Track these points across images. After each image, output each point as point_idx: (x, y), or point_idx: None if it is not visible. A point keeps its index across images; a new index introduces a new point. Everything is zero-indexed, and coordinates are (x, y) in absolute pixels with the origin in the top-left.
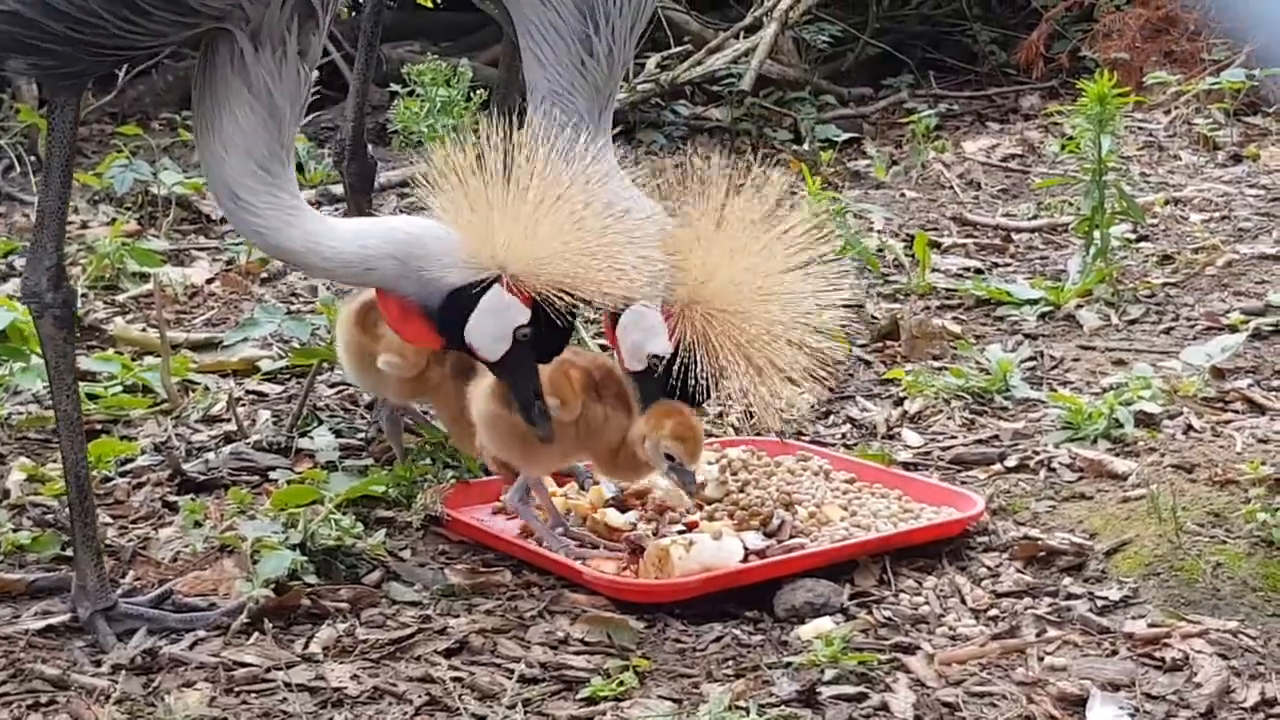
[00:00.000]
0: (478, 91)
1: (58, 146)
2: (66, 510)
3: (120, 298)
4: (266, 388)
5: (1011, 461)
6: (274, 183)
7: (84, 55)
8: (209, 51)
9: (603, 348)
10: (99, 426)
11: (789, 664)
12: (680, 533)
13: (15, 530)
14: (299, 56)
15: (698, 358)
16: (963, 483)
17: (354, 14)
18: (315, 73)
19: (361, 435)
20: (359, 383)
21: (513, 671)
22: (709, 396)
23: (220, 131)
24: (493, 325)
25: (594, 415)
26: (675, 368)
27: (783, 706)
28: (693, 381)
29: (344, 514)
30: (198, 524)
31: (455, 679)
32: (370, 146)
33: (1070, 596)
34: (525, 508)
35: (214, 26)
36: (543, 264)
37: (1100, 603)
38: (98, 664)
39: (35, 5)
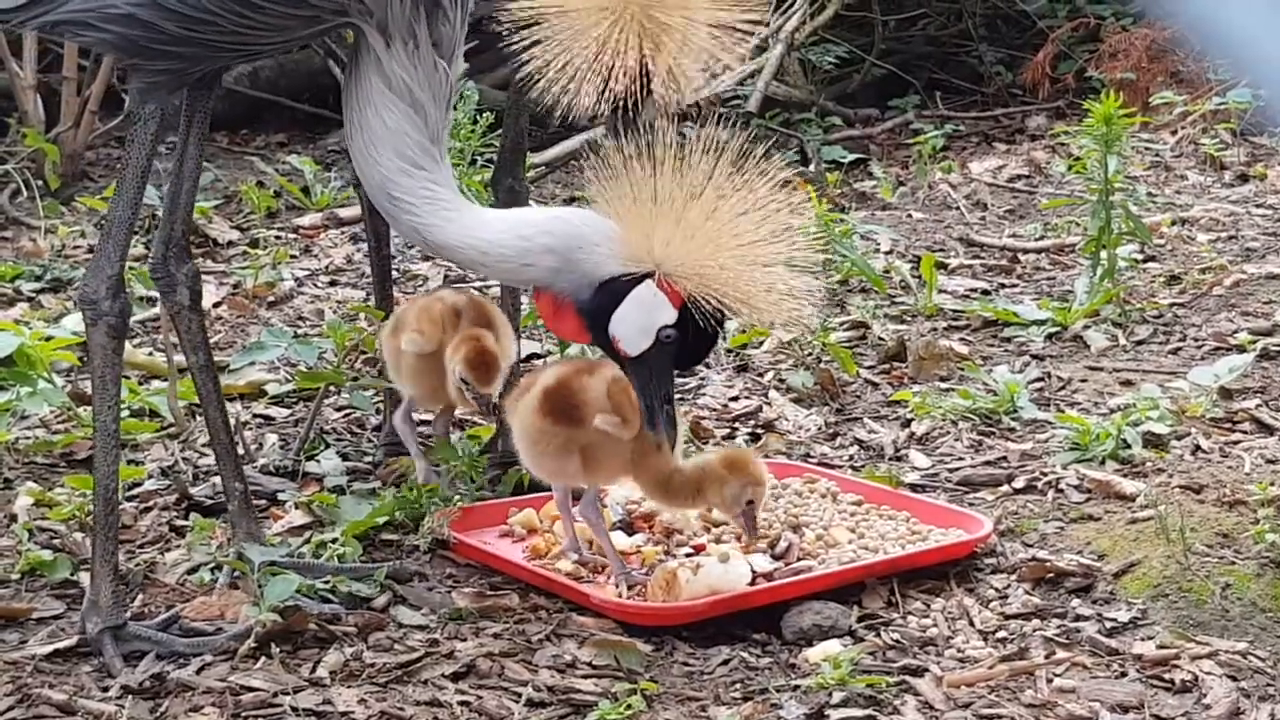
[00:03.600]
0: (484, 114)
1: (136, 157)
2: (74, 535)
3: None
4: (273, 411)
5: (1019, 483)
6: (429, 178)
7: (205, 54)
8: (354, 51)
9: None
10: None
11: (797, 687)
12: (688, 555)
13: (20, 554)
14: (434, 48)
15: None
16: (970, 504)
17: None
18: (462, 65)
19: (369, 459)
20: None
21: (520, 695)
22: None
23: (369, 131)
24: (639, 319)
25: (649, 437)
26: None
27: None
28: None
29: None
30: (208, 553)
31: (462, 703)
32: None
33: (1079, 618)
34: (598, 521)
35: (340, 22)
36: (698, 267)
37: (1109, 624)
38: (105, 689)
39: (149, 6)
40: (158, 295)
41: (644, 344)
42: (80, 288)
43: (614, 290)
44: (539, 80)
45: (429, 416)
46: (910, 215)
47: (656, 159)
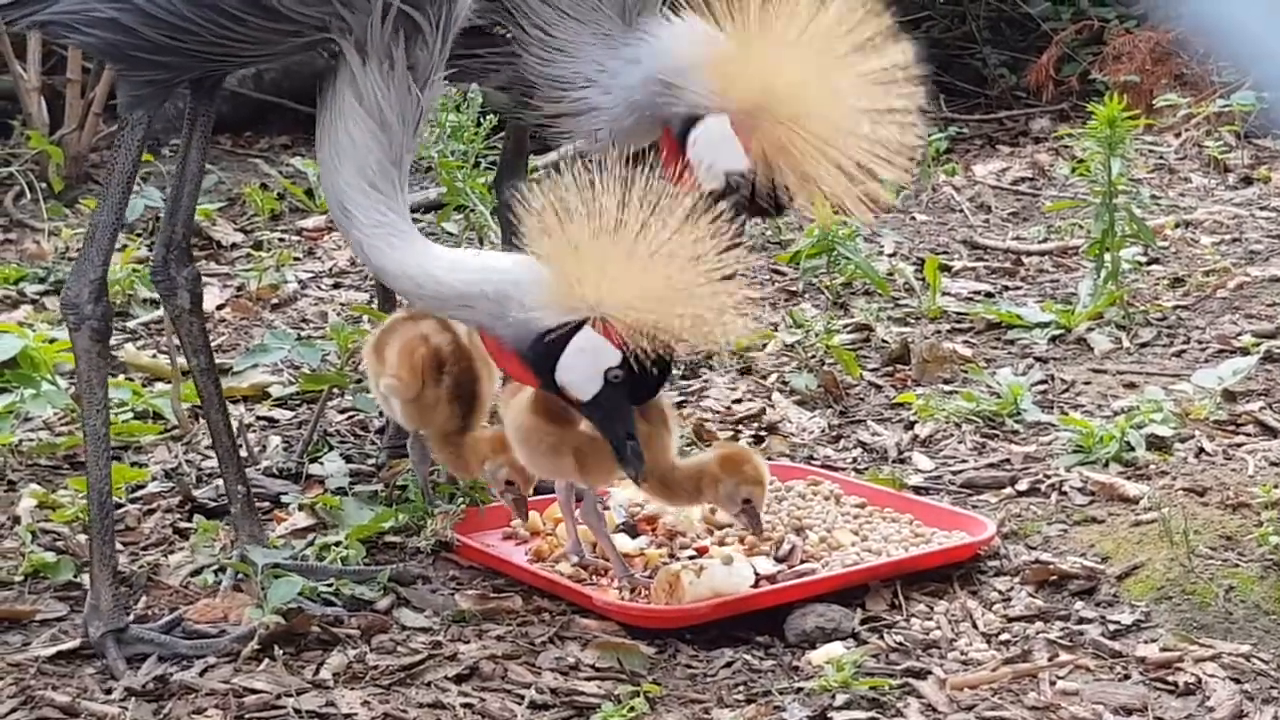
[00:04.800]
0: (488, 117)
1: (122, 163)
2: (78, 536)
3: (131, 324)
4: (277, 413)
5: (1023, 485)
6: (384, 201)
7: (189, 64)
8: (334, 64)
9: None
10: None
11: (800, 689)
12: (691, 558)
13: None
14: (409, 72)
15: (776, 166)
16: (974, 507)
17: None
18: (440, 90)
19: (372, 461)
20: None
21: (523, 697)
22: (789, 205)
23: (335, 142)
24: (584, 366)
25: (641, 433)
26: (755, 180)
27: None
28: (773, 192)
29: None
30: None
31: (465, 705)
32: None
33: (1082, 620)
34: (599, 524)
35: (322, 37)
36: (631, 304)
37: (1112, 627)
38: (108, 691)
39: (132, 12)
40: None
41: (594, 389)
42: (63, 292)
43: (554, 341)
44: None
45: None
46: (914, 218)
47: (569, 203)
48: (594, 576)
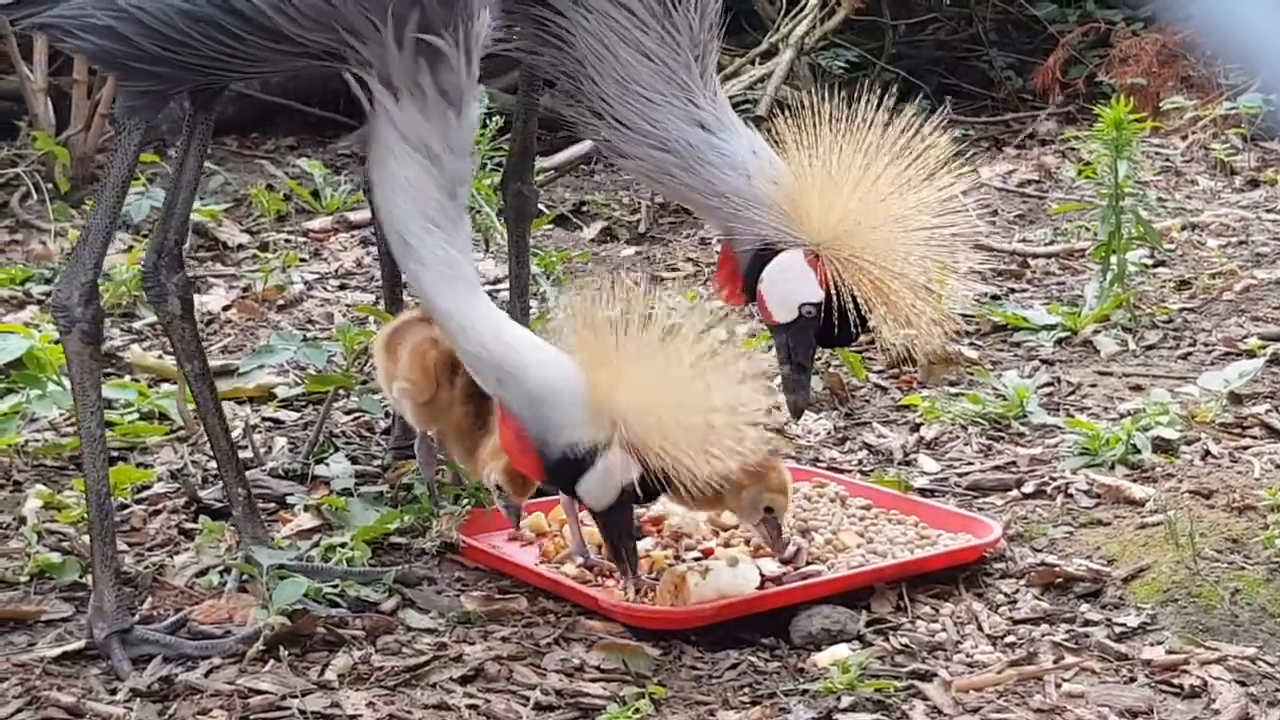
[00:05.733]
0: (494, 118)
1: (118, 168)
2: (83, 537)
3: (137, 325)
4: (283, 414)
5: (1029, 487)
6: (445, 239)
7: (184, 76)
8: (370, 109)
9: None
10: (115, 454)
11: (805, 691)
12: (696, 559)
13: (29, 556)
14: (442, 97)
15: (848, 299)
16: (979, 509)
17: None
18: (477, 113)
19: (378, 462)
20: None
21: (528, 699)
22: (859, 336)
23: (391, 179)
24: (604, 482)
25: None
26: (831, 312)
27: None
28: (845, 324)
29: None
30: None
31: (470, 706)
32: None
33: (1088, 623)
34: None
35: (336, 66)
36: (663, 432)
37: (1118, 629)
38: (113, 692)
39: (129, 21)
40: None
41: (608, 501)
42: (53, 295)
43: (580, 459)
44: None
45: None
46: None
47: (620, 319)
48: (599, 577)
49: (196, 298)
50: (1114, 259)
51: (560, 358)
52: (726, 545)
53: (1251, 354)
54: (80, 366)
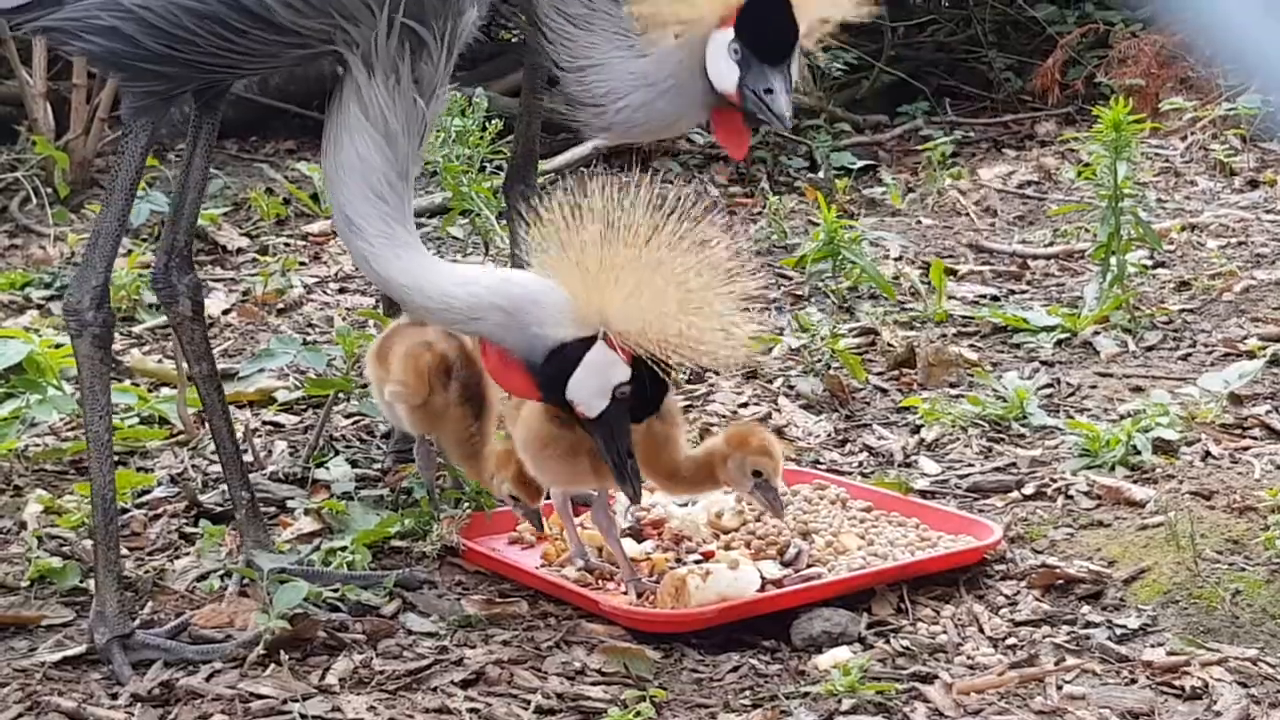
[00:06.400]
0: (493, 121)
1: (125, 170)
2: (84, 542)
3: (137, 329)
4: (283, 418)
5: (1029, 489)
6: (389, 212)
7: (189, 74)
8: (341, 76)
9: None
10: (115, 458)
11: (807, 694)
12: (697, 562)
13: (30, 561)
14: (414, 85)
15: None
16: (980, 511)
17: None
18: (443, 104)
19: (378, 466)
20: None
21: (529, 702)
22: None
23: (340, 154)
24: (595, 382)
25: (658, 431)
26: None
27: None
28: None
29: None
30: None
31: (472, 710)
32: None
33: (1089, 625)
34: (609, 526)
35: (326, 50)
36: (647, 323)
37: (1119, 631)
38: (114, 696)
39: (133, 21)
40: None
41: (602, 405)
42: (65, 298)
43: (567, 355)
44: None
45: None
46: (920, 221)
47: (593, 217)
48: (600, 581)
49: None
50: (1114, 260)
51: (530, 276)
52: (727, 548)
53: (1251, 355)
54: (91, 370)
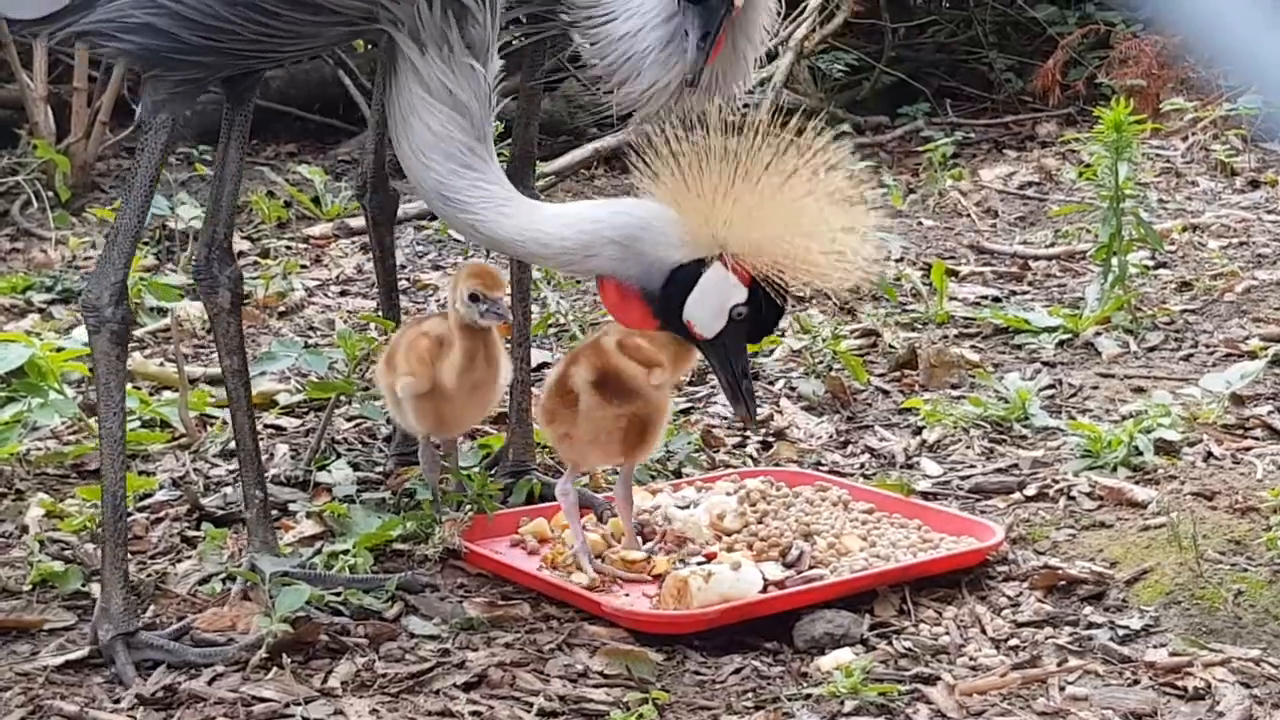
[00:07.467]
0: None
1: (145, 167)
2: (85, 546)
3: (138, 332)
4: (284, 421)
5: (1031, 490)
6: (480, 177)
7: (226, 62)
8: (390, 61)
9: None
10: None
11: (809, 695)
12: (699, 563)
13: (32, 565)
14: (468, 51)
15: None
16: (982, 512)
17: (371, 46)
18: (498, 64)
19: (380, 469)
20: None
21: (532, 705)
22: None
23: (416, 137)
24: (712, 303)
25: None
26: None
27: None
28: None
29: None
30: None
31: (474, 713)
32: (391, 179)
33: (1091, 626)
34: (571, 505)
35: (368, 28)
36: (764, 244)
37: (1121, 632)
38: (117, 700)
39: (168, 15)
40: (168, 306)
41: (719, 325)
42: (83, 294)
43: (684, 277)
44: None
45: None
46: (921, 222)
47: (708, 144)
48: (605, 583)
49: (198, 305)
50: (1115, 261)
51: (646, 203)
52: (730, 550)
53: (1253, 355)
54: (107, 367)
